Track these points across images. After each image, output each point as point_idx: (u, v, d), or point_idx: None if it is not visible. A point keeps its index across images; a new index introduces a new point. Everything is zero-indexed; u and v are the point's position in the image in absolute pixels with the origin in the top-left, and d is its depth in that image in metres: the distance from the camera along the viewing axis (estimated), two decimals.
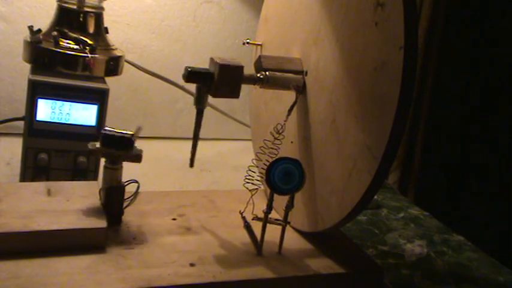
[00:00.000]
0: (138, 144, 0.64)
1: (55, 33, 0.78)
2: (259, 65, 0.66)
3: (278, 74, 0.66)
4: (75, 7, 0.80)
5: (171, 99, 1.17)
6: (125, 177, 0.64)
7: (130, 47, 1.10)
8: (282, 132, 0.63)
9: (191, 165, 0.64)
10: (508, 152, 1.29)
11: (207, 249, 0.61)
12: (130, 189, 0.71)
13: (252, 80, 0.65)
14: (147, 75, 1.07)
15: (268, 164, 0.59)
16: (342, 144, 0.58)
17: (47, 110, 0.76)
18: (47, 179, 0.77)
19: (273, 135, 0.64)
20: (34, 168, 0.77)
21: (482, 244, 0.84)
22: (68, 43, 0.78)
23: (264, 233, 0.61)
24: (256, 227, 0.63)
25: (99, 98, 0.78)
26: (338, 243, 0.67)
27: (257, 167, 0.64)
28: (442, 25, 1.23)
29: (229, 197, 0.76)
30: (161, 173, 0.98)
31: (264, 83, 0.65)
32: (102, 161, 0.63)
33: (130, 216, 0.66)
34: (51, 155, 0.77)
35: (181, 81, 0.76)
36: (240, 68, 0.62)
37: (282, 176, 0.58)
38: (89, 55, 0.78)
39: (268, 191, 0.60)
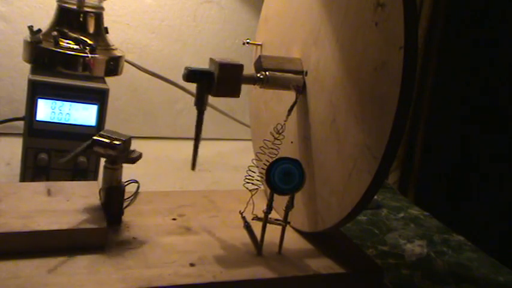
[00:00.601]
0: (139, 144, 0.64)
1: (55, 33, 0.78)
2: (259, 65, 0.66)
3: (278, 74, 0.66)
4: (75, 7, 0.80)
5: (171, 99, 1.17)
6: (124, 177, 0.64)
7: (130, 47, 1.10)
8: (282, 132, 0.63)
9: (193, 167, 0.64)
10: (508, 152, 1.29)
11: (207, 249, 0.61)
12: (130, 189, 0.71)
13: (252, 80, 0.65)
14: (147, 75, 1.07)
15: (268, 164, 0.59)
16: (342, 144, 0.58)
17: (47, 110, 0.76)
18: (47, 179, 0.77)
19: (273, 135, 0.64)
20: (34, 168, 0.77)
21: (482, 244, 0.84)
22: (68, 43, 0.78)
23: (264, 233, 0.61)
24: (256, 227, 0.63)
25: (99, 98, 0.78)
26: (338, 243, 0.67)
27: (257, 167, 0.64)
28: (442, 25, 1.23)
29: (229, 197, 0.76)
30: (161, 173, 0.98)
31: (264, 83, 0.65)
32: (102, 161, 0.63)
33: (130, 216, 0.66)
34: (51, 155, 0.77)
35: (181, 82, 0.76)
36: (239, 67, 0.62)
37: (282, 176, 0.58)
38: (89, 55, 0.78)
39: (268, 191, 0.60)
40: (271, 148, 0.63)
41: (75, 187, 0.67)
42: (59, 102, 0.76)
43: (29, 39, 0.78)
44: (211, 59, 0.63)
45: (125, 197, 0.65)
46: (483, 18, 1.28)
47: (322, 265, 0.60)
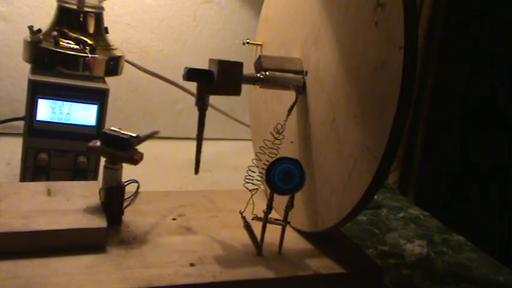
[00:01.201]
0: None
1: (55, 33, 0.78)
2: (259, 64, 0.66)
3: (278, 74, 0.66)
4: (75, 7, 0.80)
5: (171, 99, 1.17)
6: (125, 177, 0.64)
7: (130, 47, 1.10)
8: (282, 132, 0.63)
9: (196, 172, 0.63)
10: (508, 152, 1.29)
11: (207, 249, 0.61)
12: (130, 189, 0.71)
13: (252, 80, 0.65)
14: (147, 75, 1.07)
15: (268, 164, 0.59)
16: (342, 144, 0.58)
17: (47, 110, 0.76)
18: (47, 179, 0.77)
19: (273, 135, 0.64)
20: (34, 168, 0.77)
21: (482, 244, 0.84)
22: (68, 43, 0.79)
23: (264, 233, 0.61)
24: (256, 227, 0.63)
25: (99, 98, 0.78)
26: (338, 243, 0.67)
27: (257, 167, 0.64)
28: (442, 25, 1.23)
29: (229, 197, 0.76)
30: (161, 173, 0.98)
31: (264, 83, 0.65)
32: (102, 160, 0.63)
33: (130, 216, 0.66)
34: (51, 155, 0.77)
35: (181, 81, 0.76)
36: (239, 64, 0.63)
37: (282, 176, 0.58)
38: (89, 55, 0.78)
39: (268, 191, 0.60)
40: (271, 148, 0.63)
41: (75, 187, 0.67)
42: (59, 102, 0.76)
43: (29, 39, 0.78)
44: (210, 60, 0.63)
45: (125, 197, 0.65)
46: (483, 18, 1.28)
47: (322, 265, 0.60)
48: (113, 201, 0.63)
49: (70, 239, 0.56)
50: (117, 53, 0.84)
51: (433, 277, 0.73)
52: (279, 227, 0.62)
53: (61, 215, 0.59)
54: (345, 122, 0.58)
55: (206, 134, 0.63)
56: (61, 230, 0.56)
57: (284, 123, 0.63)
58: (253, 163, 0.63)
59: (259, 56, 0.67)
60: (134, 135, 0.62)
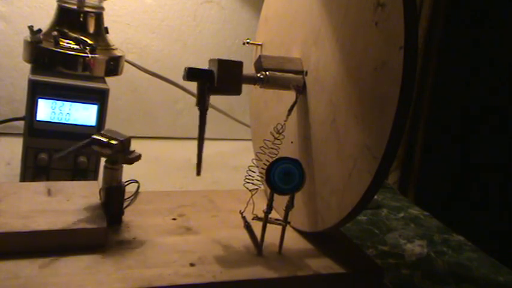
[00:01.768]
0: (139, 144, 0.64)
1: (55, 33, 0.78)
2: (259, 64, 0.66)
3: (278, 74, 0.66)
4: (75, 7, 0.80)
5: (171, 99, 1.17)
6: (125, 177, 0.64)
7: (131, 47, 1.10)
8: (282, 132, 0.63)
9: (198, 173, 0.63)
10: (508, 152, 1.29)
11: (207, 249, 0.61)
12: (130, 189, 0.71)
13: (252, 80, 0.65)
14: (147, 75, 1.07)
15: (268, 164, 0.59)
16: (342, 144, 0.58)
17: (47, 110, 0.76)
18: (47, 179, 0.77)
19: (273, 135, 0.64)
20: (34, 168, 0.77)
21: (482, 244, 0.84)
22: (68, 43, 0.79)
23: (264, 232, 0.61)
24: (257, 227, 0.63)
25: (99, 98, 0.78)
26: (338, 243, 0.67)
27: (257, 166, 0.64)
28: (442, 25, 1.23)
29: (229, 197, 0.76)
30: (161, 173, 0.98)
31: (264, 83, 0.65)
32: (103, 160, 0.63)
33: (130, 216, 0.66)
34: (52, 155, 0.77)
35: (181, 81, 0.76)
36: (239, 63, 0.63)
37: (282, 176, 0.58)
38: (89, 55, 0.78)
39: (269, 191, 0.60)
40: (271, 148, 0.63)
41: (75, 187, 0.67)
42: (59, 102, 0.76)
43: (29, 39, 0.79)
44: (210, 60, 0.63)
45: (125, 196, 0.65)
46: (483, 18, 1.28)
47: (322, 265, 0.60)
48: (113, 201, 0.63)
49: (70, 239, 0.56)
50: (117, 53, 0.84)
51: (433, 277, 0.73)
52: (279, 227, 0.62)
53: (61, 215, 0.59)
54: (345, 122, 0.58)
55: (206, 134, 0.63)
56: (61, 230, 0.56)
57: (284, 123, 0.63)
58: (254, 163, 0.64)
59: (260, 56, 0.67)
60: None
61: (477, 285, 0.72)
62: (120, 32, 1.08)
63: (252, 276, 0.57)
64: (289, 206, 0.61)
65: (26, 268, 0.52)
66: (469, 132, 1.31)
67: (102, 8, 0.84)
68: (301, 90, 0.66)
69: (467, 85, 1.29)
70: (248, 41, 0.81)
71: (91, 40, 0.80)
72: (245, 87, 0.65)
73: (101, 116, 0.78)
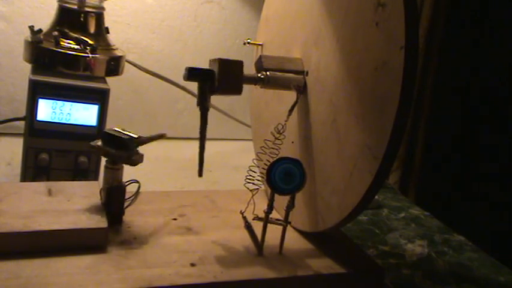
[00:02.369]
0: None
1: (56, 33, 0.78)
2: (260, 65, 0.66)
3: (279, 74, 0.66)
4: (75, 7, 0.81)
5: (171, 99, 1.17)
6: (125, 177, 0.64)
7: (131, 47, 1.10)
8: (283, 132, 0.63)
9: (200, 174, 0.63)
10: (508, 152, 1.29)
11: (207, 249, 0.61)
12: (131, 189, 0.71)
13: (253, 80, 0.65)
14: (147, 75, 1.07)
15: (269, 164, 0.59)
16: (343, 144, 0.58)
17: (48, 110, 0.76)
18: (48, 179, 0.77)
19: (274, 135, 0.64)
20: (35, 168, 0.77)
21: (482, 244, 0.84)
22: (68, 43, 0.79)
23: (265, 233, 0.61)
24: (257, 227, 0.63)
25: (100, 98, 0.78)
26: (339, 243, 0.67)
27: (258, 167, 0.64)
28: (443, 25, 1.23)
29: (230, 197, 0.76)
30: (162, 173, 0.98)
31: (265, 83, 0.65)
32: (103, 161, 0.63)
33: (131, 216, 0.66)
34: (52, 155, 0.77)
35: (181, 81, 0.76)
36: (239, 63, 0.62)
37: (282, 176, 0.58)
38: (90, 55, 0.78)
39: (269, 191, 0.60)
40: (272, 148, 0.63)
41: (76, 187, 0.67)
42: (59, 102, 0.76)
43: (29, 39, 0.79)
44: (211, 60, 0.63)
45: (126, 197, 0.65)
46: (483, 18, 1.28)
47: (323, 265, 0.60)
48: (114, 201, 0.63)
49: (71, 239, 0.56)
50: (118, 53, 0.84)
51: (433, 277, 0.73)
52: (280, 227, 0.62)
53: (62, 215, 0.59)
54: (345, 122, 0.58)
55: (207, 133, 0.63)
56: (62, 230, 0.56)
57: (285, 123, 0.63)
58: (254, 163, 0.63)
59: (260, 56, 0.67)
60: (135, 136, 0.62)
61: (478, 285, 0.72)
62: (121, 32, 1.08)
63: (253, 276, 0.57)
64: (290, 206, 0.61)
65: (27, 268, 0.52)
66: (469, 132, 1.31)
67: (103, 8, 0.84)
68: (301, 90, 0.66)
69: (468, 85, 1.29)
70: (249, 41, 0.81)
71: (92, 40, 0.80)
72: (246, 88, 0.65)
73: (102, 116, 0.78)
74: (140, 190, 0.73)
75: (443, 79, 1.26)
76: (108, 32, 0.85)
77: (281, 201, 0.63)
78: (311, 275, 0.58)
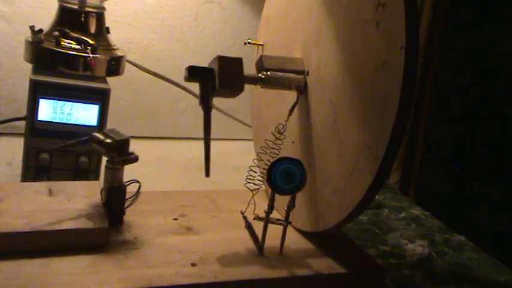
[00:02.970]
0: (140, 144, 0.64)
1: (56, 33, 0.78)
2: (260, 64, 0.66)
3: (279, 74, 0.66)
4: (76, 7, 0.81)
5: (172, 99, 1.17)
6: (126, 177, 0.64)
7: (132, 47, 1.10)
8: (283, 132, 0.63)
9: (207, 174, 0.63)
10: (508, 152, 1.29)
11: (208, 249, 0.61)
12: (131, 189, 0.71)
13: (254, 80, 0.65)
14: (148, 75, 1.07)
15: (269, 164, 0.59)
16: (343, 144, 0.59)
17: (49, 110, 0.76)
18: (48, 179, 0.77)
19: (274, 135, 0.64)
20: (35, 168, 0.77)
21: (483, 244, 0.84)
22: (69, 43, 0.79)
23: (266, 233, 0.61)
24: (258, 227, 0.63)
25: (101, 98, 0.78)
26: (339, 243, 0.67)
27: (258, 167, 0.64)
28: (443, 25, 1.23)
29: (230, 197, 0.76)
30: (162, 173, 0.98)
31: (266, 83, 0.65)
32: (104, 160, 0.63)
33: (131, 216, 0.66)
34: (53, 155, 0.77)
35: (182, 81, 0.76)
36: (239, 60, 0.62)
37: (283, 176, 0.58)
38: (91, 55, 0.78)
39: (270, 191, 0.60)
40: (273, 148, 0.63)
41: (76, 187, 0.67)
42: (60, 102, 0.76)
43: (30, 39, 0.79)
44: (210, 61, 0.63)
45: (126, 196, 0.65)
46: (483, 18, 1.28)
47: (323, 265, 0.60)
48: (114, 201, 0.63)
49: (71, 239, 0.56)
50: (119, 53, 0.84)
51: (434, 277, 0.73)
52: (280, 227, 0.62)
53: (62, 215, 0.59)
54: (346, 122, 0.58)
55: None
56: (62, 230, 0.56)
57: (285, 123, 0.64)
58: (255, 163, 0.64)
59: (261, 56, 0.67)
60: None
61: (478, 285, 0.72)
62: (122, 32, 1.08)
63: (253, 276, 0.57)
64: (291, 206, 0.61)
65: (27, 268, 0.52)
66: (469, 132, 1.31)
67: (104, 8, 0.84)
68: (302, 90, 0.66)
69: (468, 85, 1.29)
70: (249, 41, 0.81)
71: (92, 40, 0.80)
72: (246, 88, 0.65)
73: (102, 116, 0.78)
74: (141, 190, 0.73)
75: (443, 79, 1.26)
76: (108, 32, 0.85)
77: (282, 201, 0.63)
78: (311, 275, 0.58)
